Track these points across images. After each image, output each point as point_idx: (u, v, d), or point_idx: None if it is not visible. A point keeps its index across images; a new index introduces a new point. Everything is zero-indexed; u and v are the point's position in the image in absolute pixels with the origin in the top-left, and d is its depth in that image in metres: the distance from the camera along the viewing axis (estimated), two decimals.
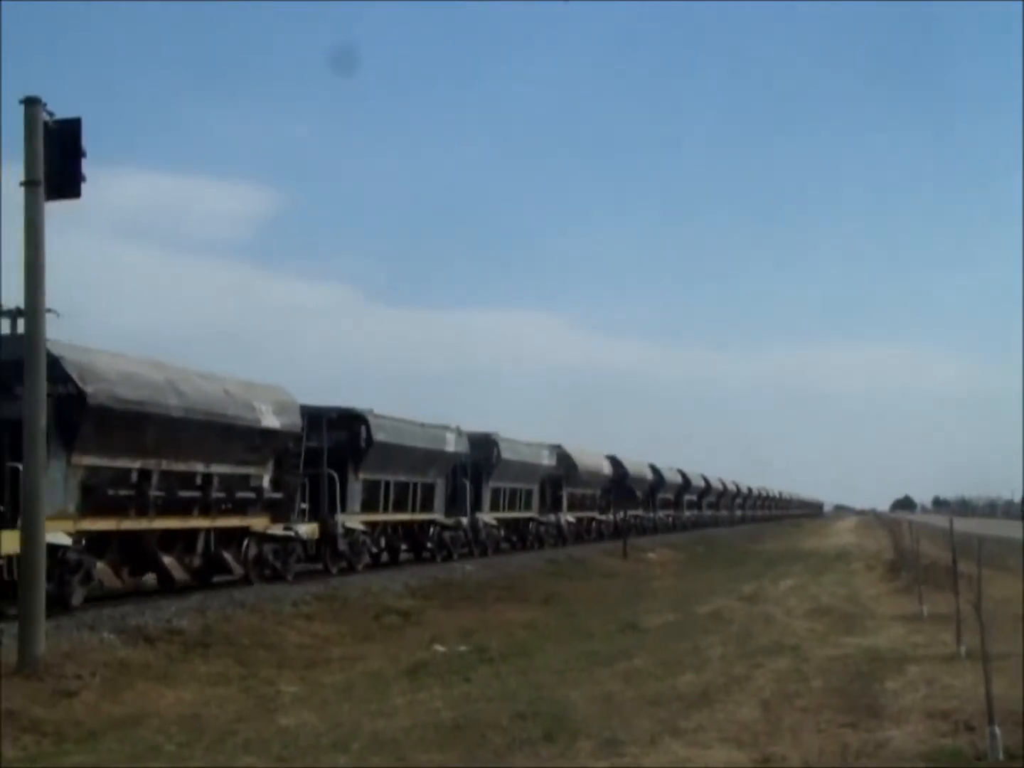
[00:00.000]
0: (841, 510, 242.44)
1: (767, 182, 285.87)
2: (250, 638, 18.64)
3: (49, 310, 15.26)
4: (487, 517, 38.65)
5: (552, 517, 46.84)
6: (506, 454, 39.98)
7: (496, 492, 40.19)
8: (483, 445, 38.22)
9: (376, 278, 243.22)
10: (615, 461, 56.99)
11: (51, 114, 15.22)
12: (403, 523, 32.41)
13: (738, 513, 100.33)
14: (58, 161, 15.19)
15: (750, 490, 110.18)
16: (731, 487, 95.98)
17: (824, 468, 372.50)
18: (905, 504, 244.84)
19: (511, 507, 42.25)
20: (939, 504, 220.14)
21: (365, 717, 12.65)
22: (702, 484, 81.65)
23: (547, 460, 45.45)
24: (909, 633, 18.89)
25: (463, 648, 19.08)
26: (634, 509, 60.22)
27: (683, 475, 74.83)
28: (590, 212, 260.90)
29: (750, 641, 18.53)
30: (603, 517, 55.10)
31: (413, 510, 32.64)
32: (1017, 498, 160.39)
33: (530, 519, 44.45)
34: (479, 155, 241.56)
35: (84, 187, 15.48)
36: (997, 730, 9.54)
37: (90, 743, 11.96)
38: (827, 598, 26.40)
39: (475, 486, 37.52)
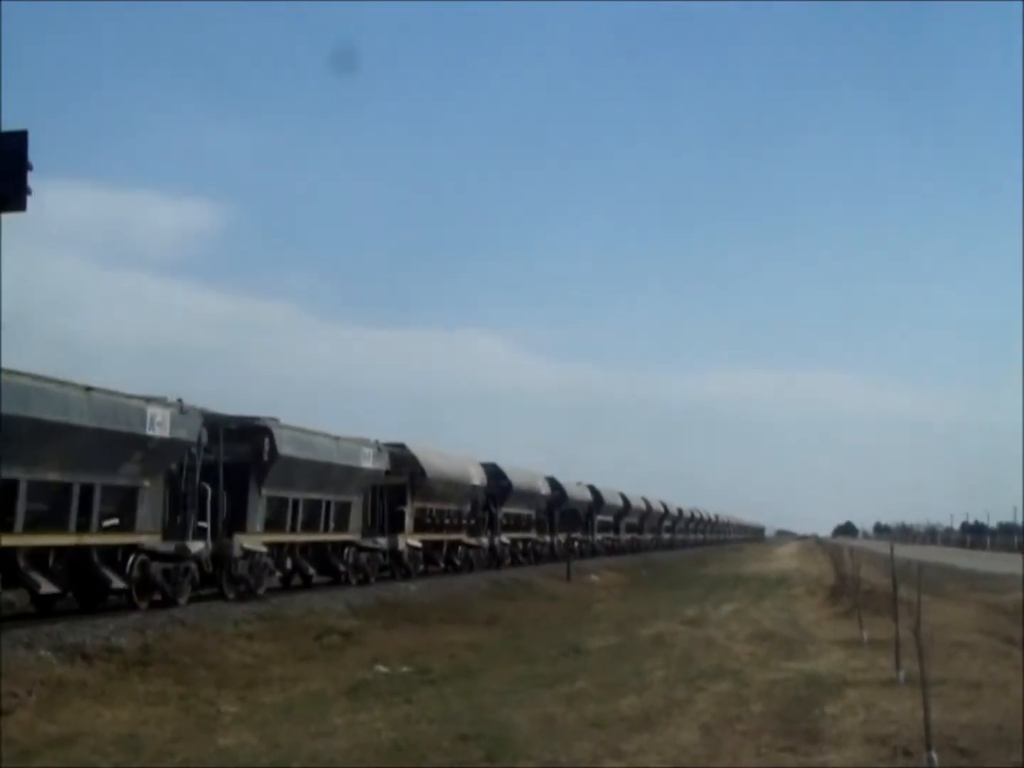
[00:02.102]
0: (783, 535, 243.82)
1: (752, 198, 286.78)
2: (190, 657, 18.47)
3: None
4: (410, 539, 36.60)
5: (484, 539, 44.79)
6: (431, 472, 37.72)
7: (421, 512, 38.08)
8: (405, 462, 36.15)
9: (324, 296, 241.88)
10: (553, 482, 56.25)
11: None
12: (313, 544, 30.11)
13: (679, 537, 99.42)
14: (4, 174, 15.03)
15: (692, 513, 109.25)
16: (672, 510, 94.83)
17: (766, 493, 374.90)
18: (847, 530, 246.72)
19: (438, 528, 39.93)
20: (880, 530, 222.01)
21: (305, 738, 12.58)
22: (643, 506, 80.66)
23: (477, 479, 43.43)
24: (849, 658, 19.03)
25: (405, 669, 19.00)
26: (575, 531, 59.65)
27: (623, 497, 73.83)
28: (548, 228, 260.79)
29: (692, 665, 18.60)
30: (540, 538, 54.21)
31: (325, 530, 30.40)
32: (956, 526, 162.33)
33: (459, 541, 42.22)
34: (451, 167, 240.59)
35: (29, 200, 15.34)
36: (935, 756, 9.63)
37: (24, 762, 11.77)
38: (768, 623, 26.56)
39: (396, 505, 35.68)
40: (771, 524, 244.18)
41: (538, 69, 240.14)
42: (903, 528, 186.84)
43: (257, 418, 26.74)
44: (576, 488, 61.61)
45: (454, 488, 40.84)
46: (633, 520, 78.41)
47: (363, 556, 32.78)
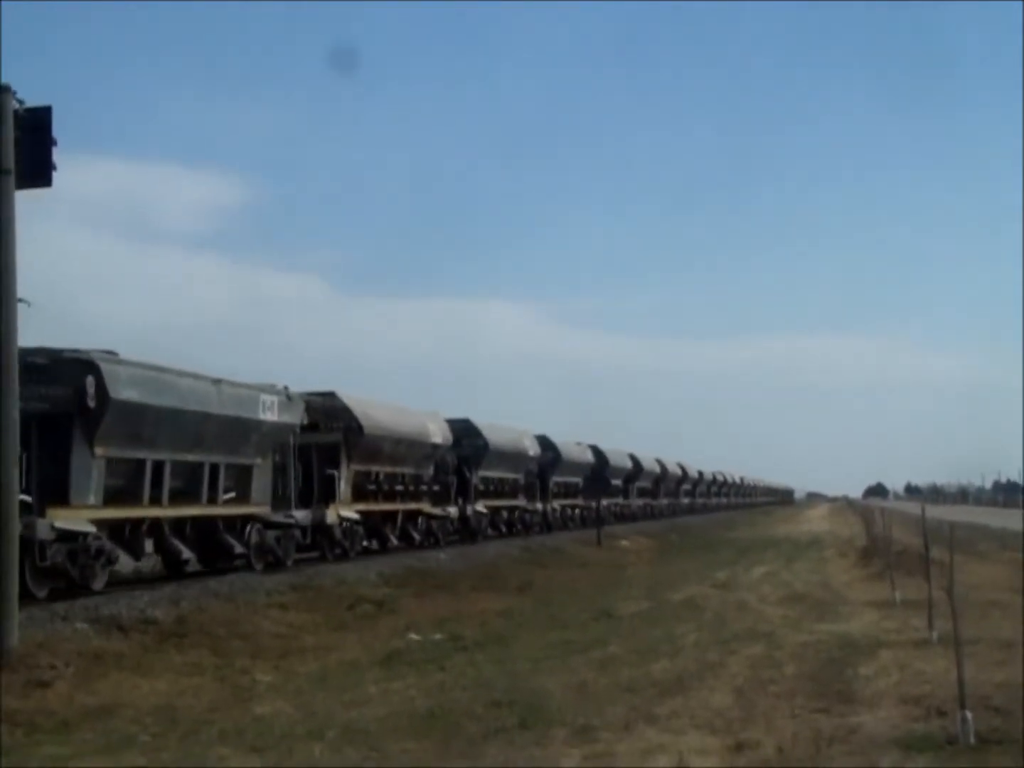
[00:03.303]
0: (814, 497, 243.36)
1: (760, 178, 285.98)
2: (224, 628, 18.60)
3: (20, 300, 15.16)
4: (346, 510, 29.74)
5: (452, 508, 37.93)
6: (372, 427, 30.88)
7: (364, 476, 31.49)
8: (336, 414, 29.95)
9: (352, 268, 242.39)
10: (545, 441, 49.62)
11: (21, 102, 15.12)
12: (196, 519, 23.51)
13: (700, 501, 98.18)
14: (28, 150, 15.09)
15: (714, 476, 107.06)
16: (692, 473, 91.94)
17: (797, 455, 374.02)
18: (877, 491, 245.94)
19: (388, 496, 33.16)
20: (911, 491, 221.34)
21: (339, 706, 12.66)
22: (656, 469, 75.60)
23: (439, 437, 36.07)
24: (881, 619, 19.00)
25: (437, 637, 19.09)
26: (574, 496, 54.95)
27: (633, 459, 68.21)
28: (584, 203, 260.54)
29: (724, 628, 18.61)
30: (530, 506, 47.69)
31: (211, 501, 23.78)
32: (988, 485, 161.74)
33: (418, 511, 35.44)
34: (462, 147, 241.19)
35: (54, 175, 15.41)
36: (968, 715, 9.61)
37: (64, 734, 11.91)
38: (800, 585, 26.54)
39: (328, 469, 29.47)
40: (801, 487, 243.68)
41: (545, 58, 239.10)
42: (934, 488, 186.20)
43: (78, 351, 20.04)
44: (575, 448, 55.60)
45: (407, 448, 33.84)
46: (646, 484, 73.52)
47: (271, 534, 26.07)
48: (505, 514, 44.85)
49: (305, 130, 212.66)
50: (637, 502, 70.55)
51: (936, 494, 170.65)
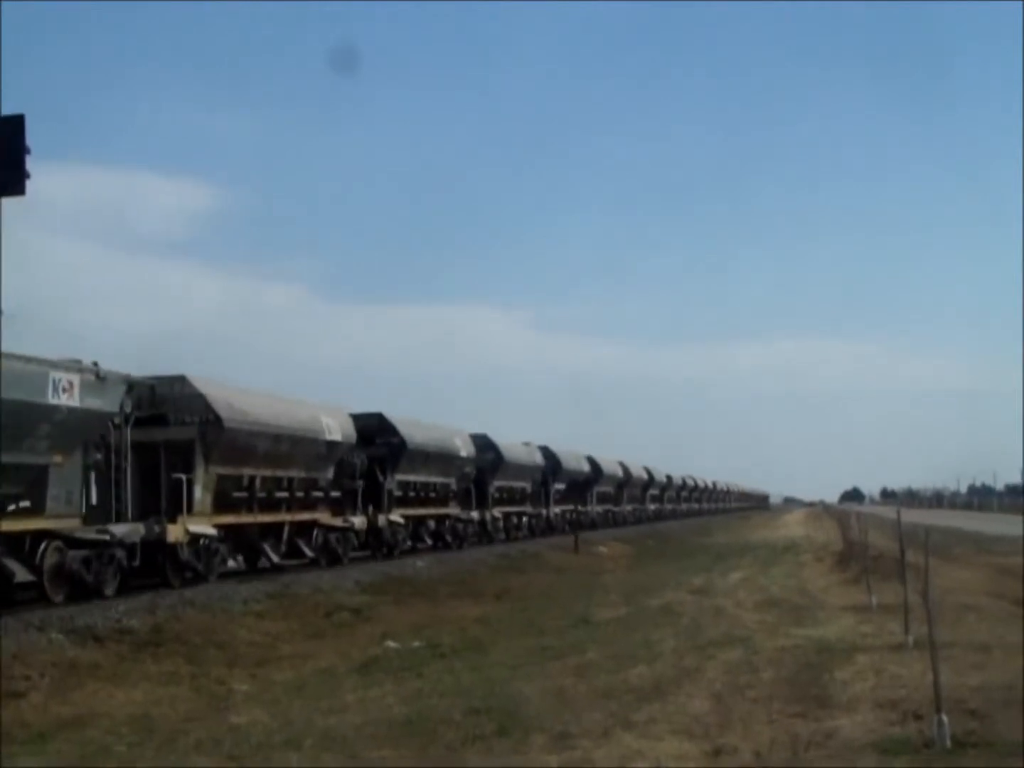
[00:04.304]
0: (790, 502, 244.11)
1: (757, 179, 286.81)
2: (201, 637, 18.55)
3: None
4: (198, 524, 24.09)
5: (355, 518, 32.04)
6: (237, 420, 25.45)
7: (228, 482, 25.64)
8: (185, 406, 24.50)
9: (329, 276, 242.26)
10: (484, 442, 44.90)
11: None
12: None
13: (683, 507, 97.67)
14: (2, 159, 15.03)
15: (684, 481, 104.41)
16: (660, 477, 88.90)
17: (774, 461, 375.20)
18: (853, 496, 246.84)
19: (269, 506, 27.53)
20: (887, 495, 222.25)
21: (317, 714, 12.62)
22: (618, 472, 71.33)
23: (339, 434, 30.77)
24: (858, 623, 19.05)
25: (415, 644, 19.07)
26: (512, 504, 48.98)
27: (591, 462, 63.37)
28: (577, 207, 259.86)
29: (701, 633, 18.63)
30: (464, 515, 42.05)
31: None
32: (963, 489, 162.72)
33: (314, 522, 30.15)
34: (458, 151, 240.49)
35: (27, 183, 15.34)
36: (945, 718, 9.64)
37: (39, 744, 11.83)
38: (777, 590, 26.60)
39: (173, 474, 23.70)
40: (778, 492, 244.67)
41: (539, 58, 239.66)
42: (909, 492, 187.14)
43: None
44: (521, 450, 50.22)
45: (293, 446, 28.49)
46: (607, 489, 68.82)
47: (75, 555, 20.43)
48: (432, 524, 39.35)
49: (288, 136, 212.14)
50: (597, 508, 65.08)
51: (911, 498, 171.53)
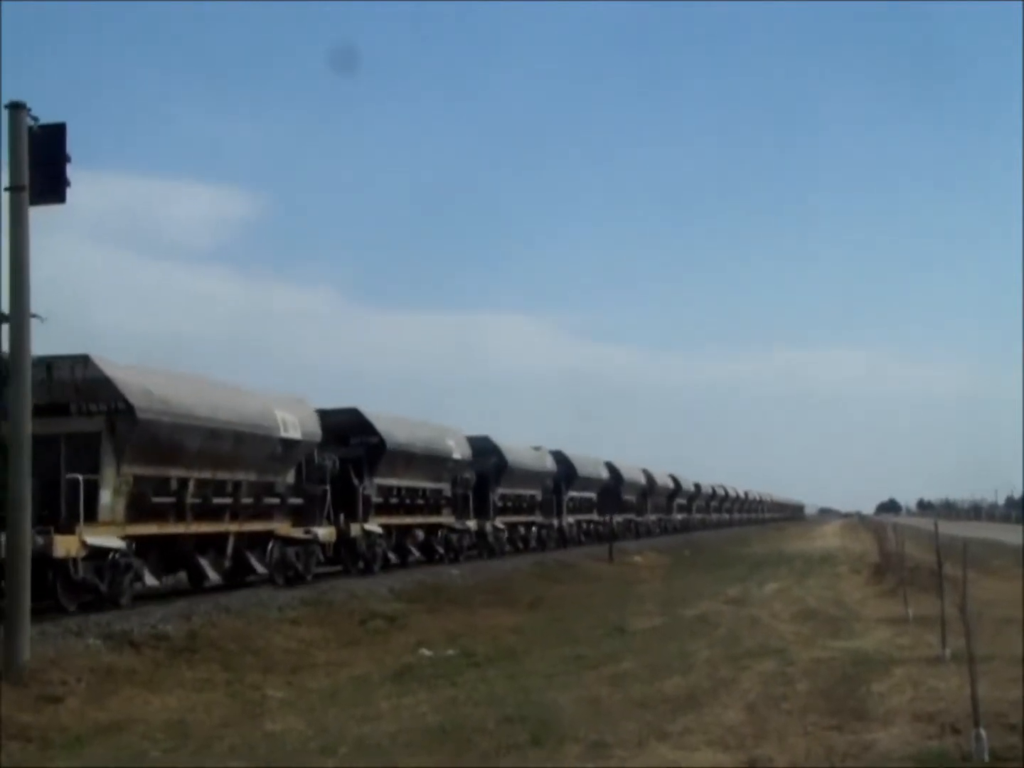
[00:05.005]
0: (826, 513, 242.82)
1: (761, 184, 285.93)
2: (236, 643, 18.61)
3: (33, 315, 15.23)
4: (103, 536, 20.13)
5: (319, 529, 27.74)
6: (162, 416, 21.41)
7: (155, 484, 21.80)
8: (92, 391, 20.45)
9: (362, 282, 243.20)
10: (486, 445, 40.89)
11: (35, 119, 15.22)
12: None
13: (712, 516, 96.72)
14: (42, 166, 15.18)
15: (713, 490, 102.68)
16: (687, 486, 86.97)
17: (809, 471, 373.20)
18: (890, 507, 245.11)
19: (203, 515, 23.12)
20: (924, 507, 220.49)
21: (351, 722, 12.65)
22: (640, 480, 68.61)
23: (297, 431, 26.44)
24: (894, 636, 18.93)
25: (450, 652, 19.08)
26: (519, 513, 45.06)
27: (611, 468, 59.83)
28: (583, 213, 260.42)
29: (736, 644, 18.56)
30: (453, 522, 37.03)
31: None
32: (1001, 500, 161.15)
33: (267, 533, 25.92)
34: (467, 157, 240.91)
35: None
36: (983, 732, 9.56)
37: (76, 749, 11.93)
38: (813, 601, 26.45)
39: (68, 474, 19.83)
40: (813, 503, 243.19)
41: (548, 60, 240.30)
42: (947, 504, 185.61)
43: None
44: (525, 453, 45.96)
45: (238, 444, 24.21)
46: (630, 497, 64.58)
47: None
48: (421, 534, 34.58)
49: (312, 142, 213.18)
50: (617, 519, 58.60)
51: (949, 510, 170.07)
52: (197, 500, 22.91)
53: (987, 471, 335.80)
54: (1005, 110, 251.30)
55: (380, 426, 31.42)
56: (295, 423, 26.40)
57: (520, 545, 45.06)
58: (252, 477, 24.97)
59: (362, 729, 12.10)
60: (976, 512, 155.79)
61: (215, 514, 23.78)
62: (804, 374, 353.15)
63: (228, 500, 24.18)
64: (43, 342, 16.40)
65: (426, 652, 19.12)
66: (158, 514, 21.91)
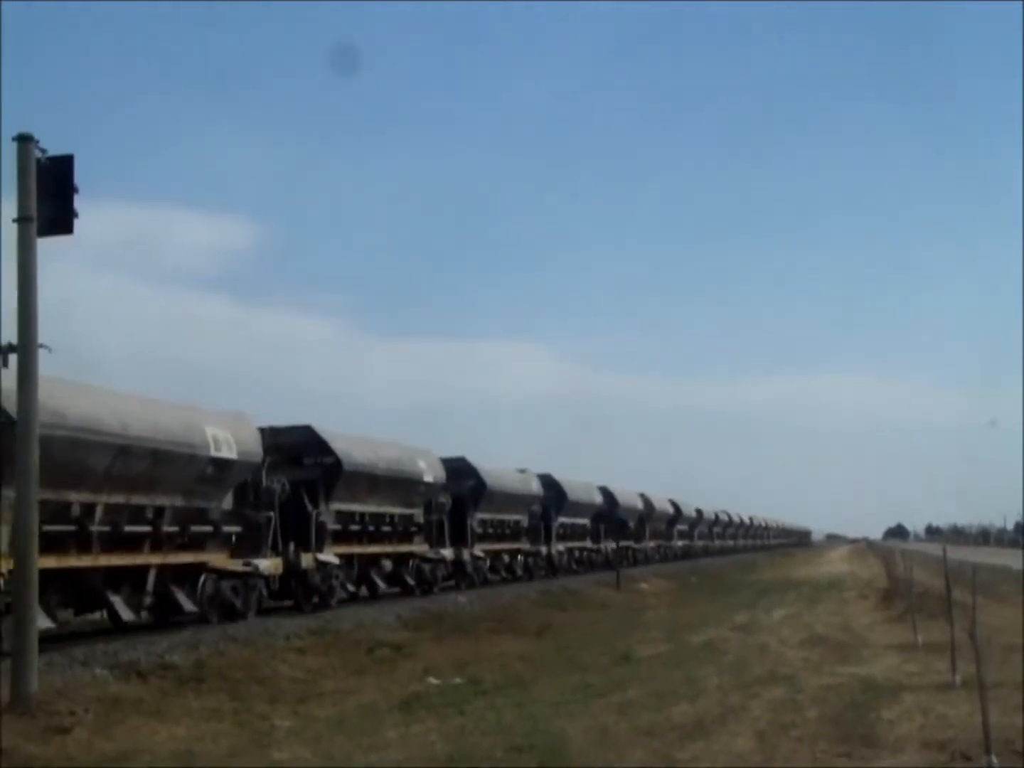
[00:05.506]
0: (833, 539, 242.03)
1: (764, 208, 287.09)
2: (243, 672, 18.59)
3: (41, 346, 15.27)
4: None
5: (264, 562, 25.31)
6: (68, 432, 18.81)
7: (56, 509, 18.72)
8: None
9: (362, 310, 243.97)
10: (464, 469, 38.90)
11: (43, 151, 15.31)
12: None
13: (715, 543, 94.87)
14: (51, 198, 15.26)
15: (729, 517, 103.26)
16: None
17: (817, 497, 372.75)
18: (898, 532, 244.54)
19: (114, 544, 20.51)
20: (932, 532, 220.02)
21: (358, 751, 12.63)
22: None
23: (232, 451, 23.79)
24: (903, 662, 18.85)
25: (457, 680, 19.03)
26: (503, 540, 42.83)
27: (606, 493, 57.57)
28: (581, 240, 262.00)
29: (744, 671, 18.49)
30: (416, 549, 33.93)
31: None
32: (1009, 525, 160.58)
33: (199, 566, 23.17)
34: (472, 182, 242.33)
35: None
36: (995, 759, 9.53)
37: None
38: (821, 627, 26.34)
39: None
40: (820, 528, 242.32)
41: (550, 80, 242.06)
42: (955, 529, 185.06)
43: None
44: (507, 476, 43.52)
45: (157, 465, 21.53)
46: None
47: None
48: (389, 564, 32.52)
49: (312, 169, 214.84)
50: (610, 545, 57.03)
51: (957, 535, 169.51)
52: (105, 528, 20.18)
53: (994, 496, 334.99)
54: (1005, 120, 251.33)
55: (337, 445, 28.70)
56: (229, 441, 23.65)
57: (505, 575, 42.90)
58: (177, 502, 22.32)
59: (369, 758, 12.08)
60: (985, 537, 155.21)
61: (131, 544, 21.05)
62: (811, 400, 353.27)
63: (147, 528, 21.47)
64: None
65: (433, 680, 19.08)
66: (57, 543, 18.86)
